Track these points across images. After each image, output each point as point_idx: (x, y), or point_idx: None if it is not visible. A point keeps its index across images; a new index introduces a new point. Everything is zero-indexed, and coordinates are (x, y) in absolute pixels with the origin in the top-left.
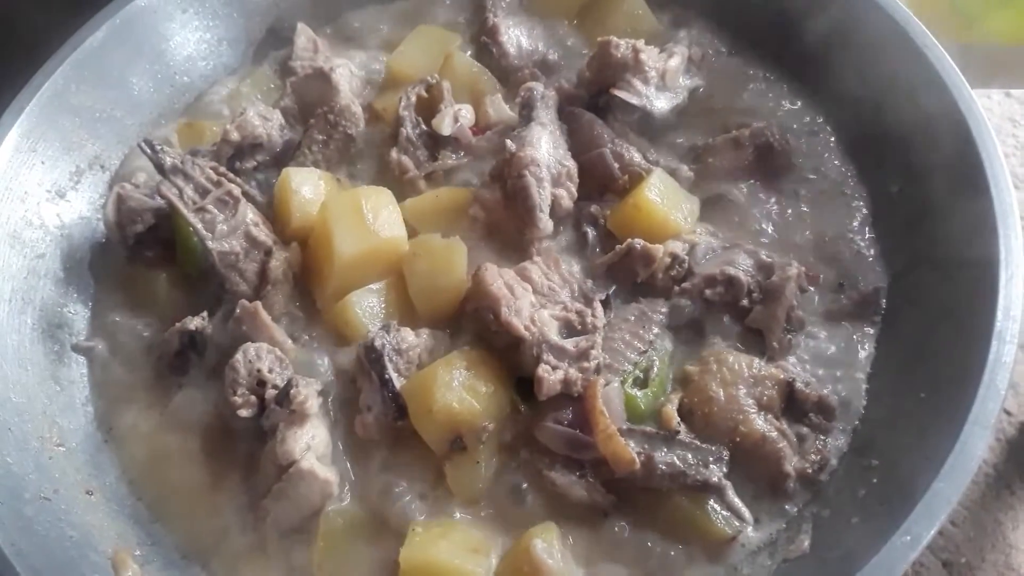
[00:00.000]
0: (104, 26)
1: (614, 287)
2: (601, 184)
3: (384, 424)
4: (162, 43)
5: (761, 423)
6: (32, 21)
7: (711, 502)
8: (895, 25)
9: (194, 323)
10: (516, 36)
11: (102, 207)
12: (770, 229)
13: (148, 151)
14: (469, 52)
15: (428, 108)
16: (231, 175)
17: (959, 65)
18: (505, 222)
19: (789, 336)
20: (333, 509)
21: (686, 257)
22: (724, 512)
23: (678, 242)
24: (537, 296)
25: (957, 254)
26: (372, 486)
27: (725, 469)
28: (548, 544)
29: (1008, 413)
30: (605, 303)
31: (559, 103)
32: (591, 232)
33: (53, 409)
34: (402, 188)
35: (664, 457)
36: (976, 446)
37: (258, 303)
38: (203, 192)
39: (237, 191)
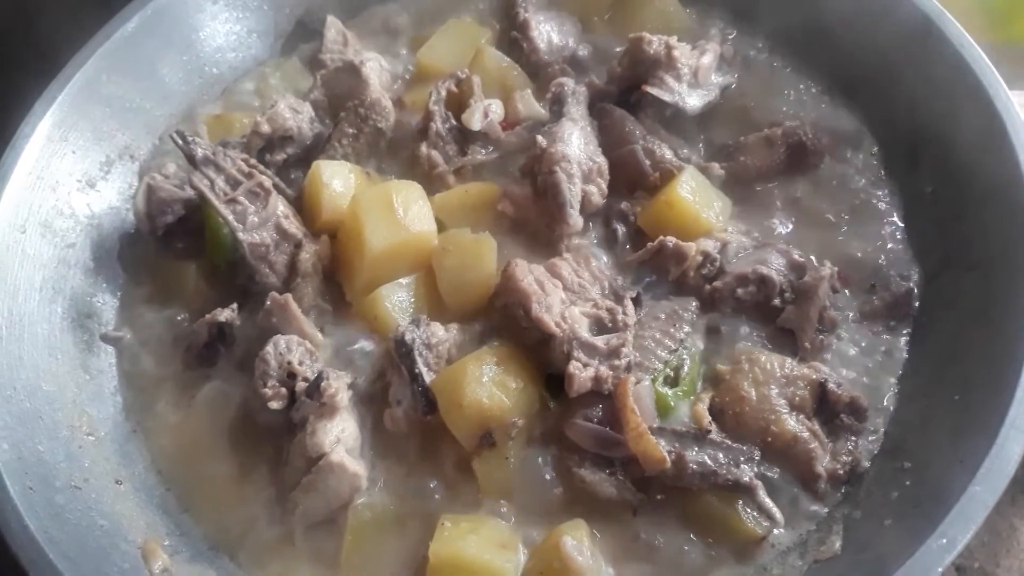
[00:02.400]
0: (136, 17)
1: (651, 277)
2: (632, 181)
3: (413, 418)
4: (192, 34)
5: (793, 423)
6: (65, 12)
7: (741, 501)
8: (930, 24)
9: (224, 315)
10: (547, 32)
11: (132, 197)
12: (802, 228)
13: (179, 142)
14: (499, 47)
15: (458, 103)
16: (262, 167)
17: None
18: (534, 218)
19: (821, 336)
20: (361, 502)
21: (718, 256)
22: (754, 512)
23: (710, 240)
24: (567, 292)
25: (992, 255)
26: (400, 480)
27: (756, 469)
28: (578, 541)
29: None
30: (636, 301)
31: (590, 99)
32: (621, 229)
33: (83, 398)
34: (431, 183)
35: (695, 456)
36: (1013, 450)
37: (288, 295)
38: (234, 184)
39: (268, 183)
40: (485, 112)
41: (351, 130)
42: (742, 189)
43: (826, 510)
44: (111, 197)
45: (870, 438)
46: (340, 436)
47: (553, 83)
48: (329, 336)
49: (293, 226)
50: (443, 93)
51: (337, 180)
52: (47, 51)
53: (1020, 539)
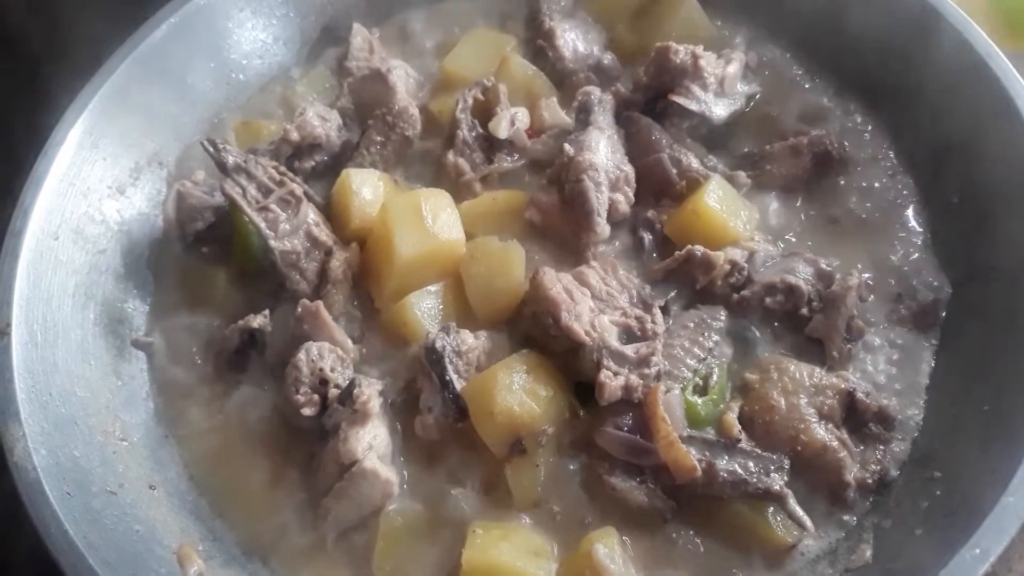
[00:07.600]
0: (164, 24)
1: (674, 292)
2: (658, 189)
3: (444, 425)
4: (219, 41)
5: (822, 432)
6: (94, 20)
7: (771, 509)
8: (957, 34)
9: (256, 321)
10: (572, 40)
11: (162, 204)
12: (828, 237)
13: (211, 150)
14: (523, 55)
15: (483, 111)
16: (291, 174)
17: None
18: (561, 226)
19: (849, 346)
20: (393, 508)
21: (745, 265)
22: (784, 520)
23: (737, 249)
24: (595, 301)
25: (1018, 265)
26: (431, 486)
27: (786, 478)
28: (609, 549)
29: None
30: (664, 309)
31: (616, 107)
32: (647, 237)
33: (116, 404)
34: (458, 190)
35: (726, 465)
36: None
37: (319, 302)
38: (266, 191)
39: (299, 191)
40: (511, 120)
41: (379, 138)
42: (768, 197)
43: (855, 519)
44: (140, 203)
45: (898, 447)
46: (372, 443)
47: (580, 91)
48: (359, 343)
49: (324, 234)
50: (469, 101)
51: (366, 188)
52: (77, 59)
53: None
